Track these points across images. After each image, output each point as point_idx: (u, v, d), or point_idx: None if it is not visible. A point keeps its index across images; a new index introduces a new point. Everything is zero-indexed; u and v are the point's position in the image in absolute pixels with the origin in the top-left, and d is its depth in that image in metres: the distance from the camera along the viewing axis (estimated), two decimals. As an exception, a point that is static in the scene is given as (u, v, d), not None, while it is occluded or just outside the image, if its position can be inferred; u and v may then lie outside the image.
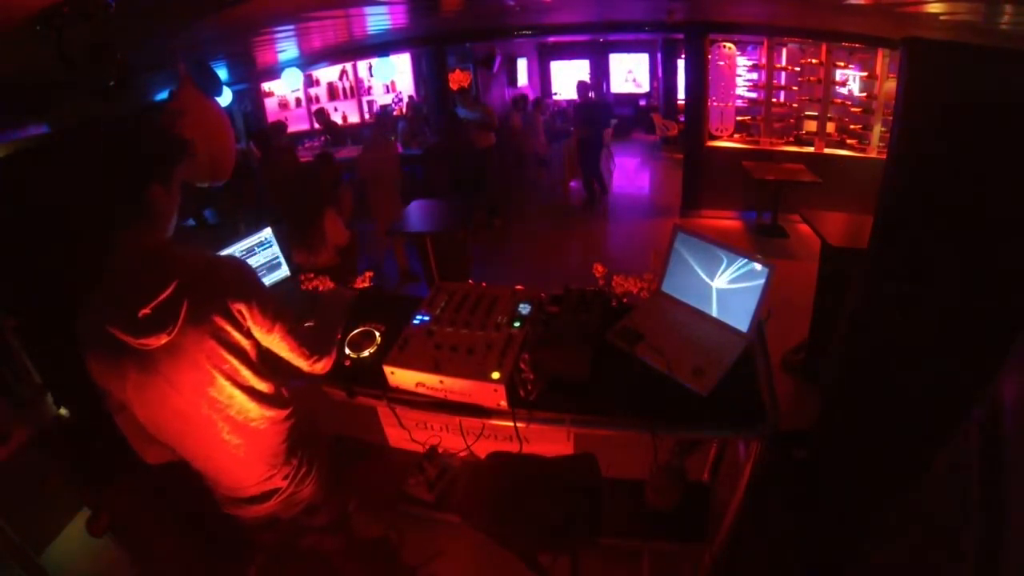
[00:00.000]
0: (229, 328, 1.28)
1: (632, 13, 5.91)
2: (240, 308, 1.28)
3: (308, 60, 6.40)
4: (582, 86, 6.87)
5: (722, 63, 5.79)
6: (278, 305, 1.39)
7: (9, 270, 2.41)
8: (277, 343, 1.41)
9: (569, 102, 10.33)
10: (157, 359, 1.22)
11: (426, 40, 6.72)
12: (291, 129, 6.96)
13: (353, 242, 3.61)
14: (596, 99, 7.49)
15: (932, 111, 1.75)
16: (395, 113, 7.87)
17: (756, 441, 1.50)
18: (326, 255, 3.34)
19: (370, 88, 8.02)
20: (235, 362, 1.31)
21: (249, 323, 1.32)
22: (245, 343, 1.33)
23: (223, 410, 1.34)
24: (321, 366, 1.53)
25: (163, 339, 1.19)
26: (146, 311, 1.16)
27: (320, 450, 1.62)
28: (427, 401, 1.65)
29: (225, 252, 2.12)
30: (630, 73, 10.63)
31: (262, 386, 1.39)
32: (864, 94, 5.45)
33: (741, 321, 1.70)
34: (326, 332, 1.64)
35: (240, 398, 1.35)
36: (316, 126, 7.56)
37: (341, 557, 1.84)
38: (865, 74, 5.38)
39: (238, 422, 1.37)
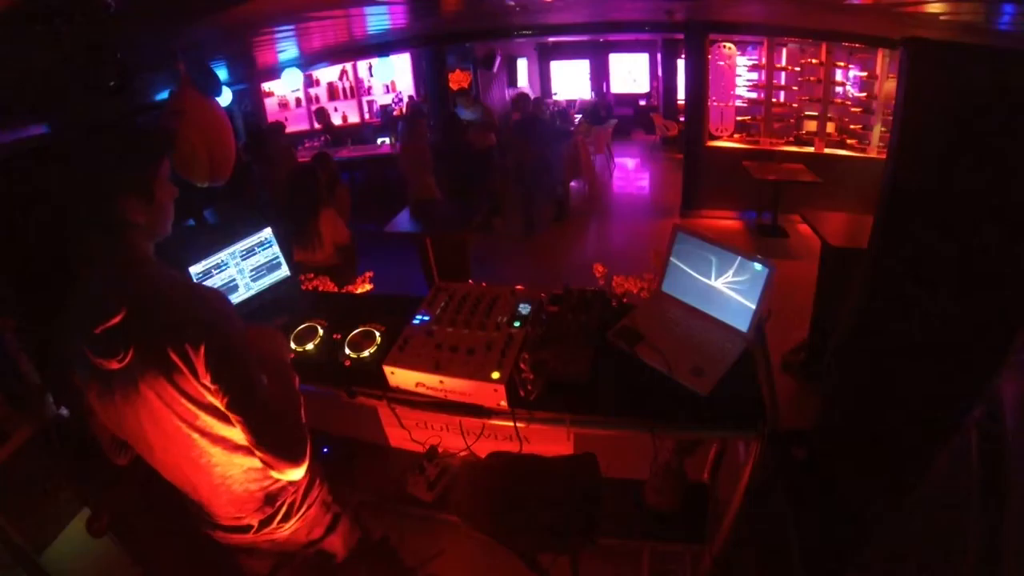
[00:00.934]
0: (187, 374, 1.09)
1: (632, 13, 5.91)
2: (188, 353, 1.07)
3: (308, 60, 6.40)
4: (521, 99, 6.24)
5: (722, 63, 5.79)
6: (245, 375, 1.14)
7: (9, 270, 2.41)
8: (238, 427, 1.15)
9: (569, 102, 10.34)
10: (117, 382, 1.12)
11: (426, 40, 6.72)
12: (291, 129, 6.96)
13: (353, 242, 3.61)
14: (538, 112, 6.72)
15: (932, 111, 1.75)
16: (395, 113, 7.87)
17: (756, 441, 1.50)
18: (323, 254, 3.34)
19: (370, 88, 8.02)
20: (204, 416, 1.14)
21: (205, 379, 1.10)
22: (208, 397, 1.12)
23: (181, 450, 1.20)
24: (292, 472, 1.20)
25: (114, 364, 1.08)
26: (97, 331, 1.07)
27: (317, 492, 1.44)
28: (427, 401, 1.65)
29: (226, 252, 2.12)
30: (630, 73, 10.63)
31: (229, 433, 1.19)
32: (864, 94, 5.45)
33: (741, 321, 1.70)
34: (287, 416, 1.24)
35: (200, 443, 1.18)
36: (316, 125, 7.56)
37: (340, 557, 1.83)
38: (865, 74, 5.38)
39: (200, 464, 1.22)
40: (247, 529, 1.35)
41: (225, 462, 1.23)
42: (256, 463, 1.23)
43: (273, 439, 1.17)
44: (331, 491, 1.52)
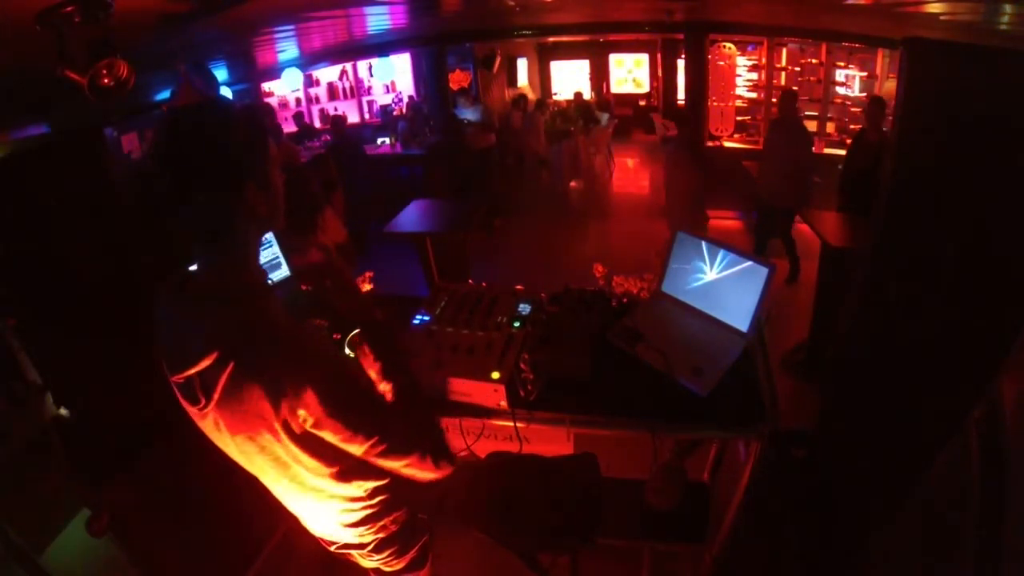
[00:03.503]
0: (283, 426, 0.93)
1: (632, 13, 5.92)
2: (291, 401, 0.90)
3: (308, 60, 6.40)
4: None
5: (722, 63, 5.80)
6: (349, 413, 0.96)
7: (8, 269, 2.41)
8: (337, 440, 0.98)
9: (568, 103, 10.34)
10: (203, 419, 0.97)
11: (426, 40, 6.72)
12: (287, 130, 6.95)
13: (352, 242, 3.61)
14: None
15: (932, 111, 1.76)
16: (395, 113, 7.87)
17: (756, 441, 1.50)
18: (319, 254, 3.34)
19: (370, 88, 8.02)
20: (295, 466, 1.01)
21: (302, 411, 0.91)
22: (293, 448, 0.97)
23: (280, 491, 1.12)
24: (408, 463, 1.06)
25: (194, 411, 0.95)
26: (178, 378, 0.92)
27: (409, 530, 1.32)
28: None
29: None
30: (629, 73, 10.63)
31: (332, 486, 1.08)
32: (864, 94, 5.46)
33: (741, 321, 1.69)
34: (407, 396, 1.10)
35: (311, 495, 1.09)
36: (317, 125, 7.57)
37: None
38: (865, 74, 5.39)
39: (286, 475, 1.06)
40: (330, 544, 1.30)
41: (316, 507, 1.15)
42: (352, 492, 1.12)
43: (397, 443, 1.03)
44: (429, 541, 1.41)
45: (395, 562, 1.33)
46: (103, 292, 2.65)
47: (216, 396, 0.90)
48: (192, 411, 0.96)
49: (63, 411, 2.32)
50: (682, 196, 4.14)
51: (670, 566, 2.20)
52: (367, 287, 2.33)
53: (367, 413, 1.01)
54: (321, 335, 1.25)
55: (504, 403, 1.55)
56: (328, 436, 0.97)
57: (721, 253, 1.73)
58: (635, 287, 2.02)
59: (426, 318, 1.79)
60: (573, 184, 7.39)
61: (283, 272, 2.34)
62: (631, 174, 8.69)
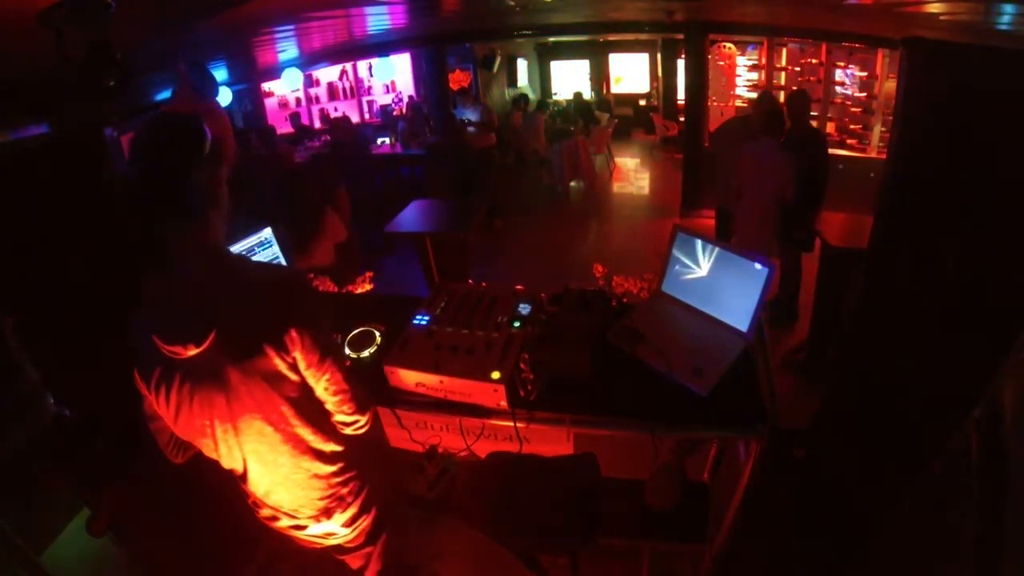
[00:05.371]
0: (277, 360, 1.13)
1: (632, 13, 5.91)
2: (290, 335, 1.12)
3: (308, 60, 6.40)
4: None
5: (722, 63, 5.80)
6: (330, 336, 1.23)
7: (8, 268, 2.41)
8: (324, 385, 1.22)
9: (568, 103, 10.33)
10: (189, 372, 1.12)
11: (426, 40, 6.72)
12: (283, 130, 6.93)
13: (351, 242, 3.61)
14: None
15: (932, 111, 1.75)
16: (395, 113, 7.87)
17: (756, 441, 1.50)
18: (320, 256, 3.34)
19: (370, 88, 8.02)
20: (282, 407, 1.18)
21: (297, 353, 1.15)
22: (291, 376, 1.17)
23: (250, 445, 1.22)
24: (365, 422, 1.34)
25: (191, 349, 1.08)
26: (176, 317, 1.07)
27: (380, 506, 1.49)
28: (427, 401, 1.65)
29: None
30: (630, 73, 10.63)
31: (301, 431, 1.24)
32: (864, 94, 5.46)
33: (741, 321, 1.69)
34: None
35: (271, 438, 1.22)
36: (317, 125, 7.56)
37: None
38: (865, 74, 5.39)
39: (267, 460, 1.25)
40: (299, 528, 1.40)
41: (291, 464, 1.27)
42: (320, 468, 1.31)
43: (353, 387, 1.27)
44: (385, 508, 1.54)
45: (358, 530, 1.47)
46: (103, 292, 2.65)
47: (215, 332, 1.06)
48: (179, 364, 1.10)
49: (63, 411, 2.32)
50: (766, 207, 3.56)
51: (670, 566, 2.20)
52: (366, 287, 2.34)
53: (347, 369, 1.25)
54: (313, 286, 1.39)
55: (504, 403, 1.55)
56: (322, 382, 1.20)
57: (721, 253, 1.73)
58: (635, 287, 2.02)
59: (426, 318, 1.79)
60: (573, 184, 7.38)
61: (283, 272, 2.34)
62: (631, 174, 8.69)
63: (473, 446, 1.87)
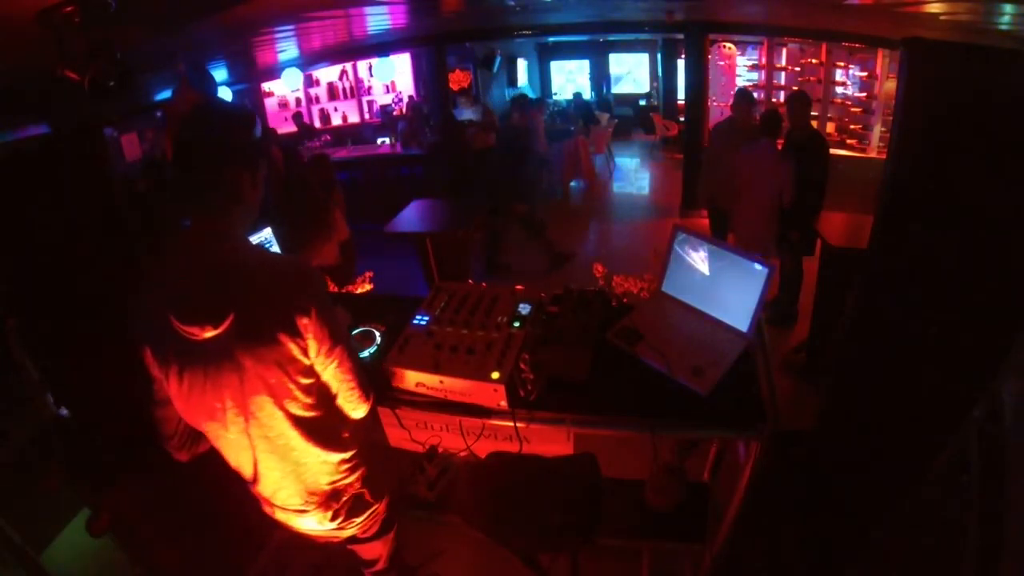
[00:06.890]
0: (291, 345, 1.15)
1: (632, 13, 5.92)
2: (304, 321, 1.14)
3: (308, 60, 6.40)
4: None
5: (722, 63, 5.80)
6: (340, 324, 1.26)
7: (8, 268, 2.40)
8: (332, 371, 1.25)
9: (567, 103, 10.33)
10: (204, 354, 1.13)
11: (426, 40, 6.72)
12: (282, 130, 6.94)
13: (351, 242, 3.61)
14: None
15: (932, 111, 1.75)
16: (395, 113, 7.87)
17: (756, 441, 1.50)
18: (326, 255, 3.34)
19: (370, 88, 8.02)
20: (295, 391, 1.20)
21: (309, 338, 1.17)
22: (304, 361, 1.19)
23: (261, 429, 1.22)
24: (367, 410, 1.38)
25: (208, 331, 1.09)
26: (195, 331, 1.09)
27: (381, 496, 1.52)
28: (427, 401, 1.65)
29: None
30: (629, 73, 10.63)
31: (311, 415, 1.25)
32: (864, 94, 5.46)
33: (741, 321, 1.69)
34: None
35: (281, 423, 1.22)
36: (317, 125, 7.56)
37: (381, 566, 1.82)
38: (865, 74, 5.39)
39: (277, 445, 1.25)
40: (308, 521, 1.41)
41: (302, 448, 1.27)
42: (330, 457, 1.33)
43: (360, 375, 1.31)
44: (392, 497, 1.57)
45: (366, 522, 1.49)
46: (103, 292, 2.65)
47: (233, 314, 1.08)
48: (194, 346, 1.11)
49: (63, 411, 2.32)
50: (765, 208, 3.59)
51: (670, 566, 2.20)
52: (366, 287, 2.33)
53: (356, 357, 1.31)
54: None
55: (504, 403, 1.55)
56: (331, 368, 1.23)
57: (721, 253, 1.73)
58: (635, 287, 2.02)
59: (426, 318, 1.79)
60: (573, 184, 7.38)
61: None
62: (631, 174, 8.69)
63: (473, 446, 1.87)
